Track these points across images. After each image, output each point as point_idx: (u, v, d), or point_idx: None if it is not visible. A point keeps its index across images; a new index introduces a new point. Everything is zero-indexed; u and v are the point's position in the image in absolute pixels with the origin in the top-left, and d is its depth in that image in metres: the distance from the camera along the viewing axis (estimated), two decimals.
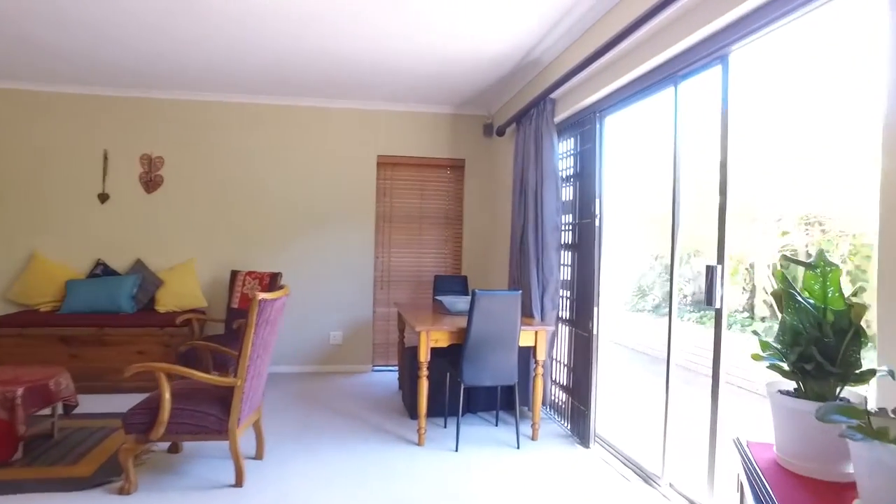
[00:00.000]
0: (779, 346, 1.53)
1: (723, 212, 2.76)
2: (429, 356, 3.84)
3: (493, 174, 6.26)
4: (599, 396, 3.97)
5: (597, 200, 3.89)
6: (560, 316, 4.47)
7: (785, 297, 1.49)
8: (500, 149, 5.98)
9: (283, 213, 5.97)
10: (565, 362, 4.42)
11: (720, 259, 2.74)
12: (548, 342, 4.44)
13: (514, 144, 5.07)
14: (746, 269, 7.21)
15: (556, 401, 4.55)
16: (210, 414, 2.99)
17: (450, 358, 4.04)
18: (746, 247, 6.09)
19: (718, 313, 2.73)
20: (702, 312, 7.26)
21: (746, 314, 7.14)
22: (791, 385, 1.56)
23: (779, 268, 1.56)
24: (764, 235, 5.88)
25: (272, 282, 5.34)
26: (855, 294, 1.47)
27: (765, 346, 1.57)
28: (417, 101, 6.02)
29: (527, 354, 4.29)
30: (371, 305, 6.15)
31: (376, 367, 6.17)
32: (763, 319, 6.79)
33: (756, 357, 1.59)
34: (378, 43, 4.23)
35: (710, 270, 2.74)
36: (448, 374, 4.22)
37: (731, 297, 7.58)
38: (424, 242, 6.35)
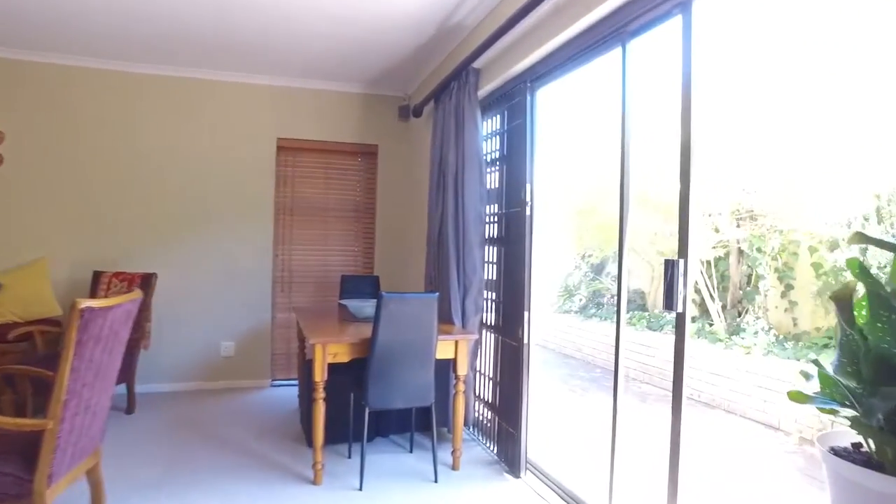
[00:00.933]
0: (844, 381, 0.95)
1: (685, 199, 2.24)
2: (326, 374, 3.12)
3: (410, 162, 5.60)
4: (531, 415, 3.40)
5: (527, 185, 3.32)
6: (485, 321, 3.87)
7: (869, 301, 0.90)
8: (418, 133, 5.33)
9: (163, 202, 5.04)
10: (490, 375, 3.82)
11: (682, 252, 2.21)
12: (470, 353, 3.84)
13: (431, 125, 4.43)
14: None
15: (482, 420, 3.95)
16: (3, 473, 2.13)
17: (353, 375, 3.34)
18: (675, 242, 5.78)
19: (681, 318, 2.20)
20: (631, 313, 6.94)
21: None
22: (849, 436, 0.99)
23: (849, 251, 0.97)
24: (695, 228, 5.56)
25: (145, 284, 4.43)
26: None
27: (825, 381, 0.99)
28: (324, 78, 5.26)
29: (446, 368, 3.66)
30: (270, 310, 5.33)
31: (276, 382, 5.36)
32: (693, 319, 6.52)
33: (798, 397, 1.00)
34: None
35: (670, 266, 2.21)
36: (353, 394, 3.52)
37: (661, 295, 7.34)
38: (332, 238, 5.59)
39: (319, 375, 3.11)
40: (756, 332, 5.37)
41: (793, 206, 4.95)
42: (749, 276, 5.99)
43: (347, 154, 5.63)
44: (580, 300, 7.75)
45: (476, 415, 3.99)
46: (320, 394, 3.12)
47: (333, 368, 3.21)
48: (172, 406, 4.57)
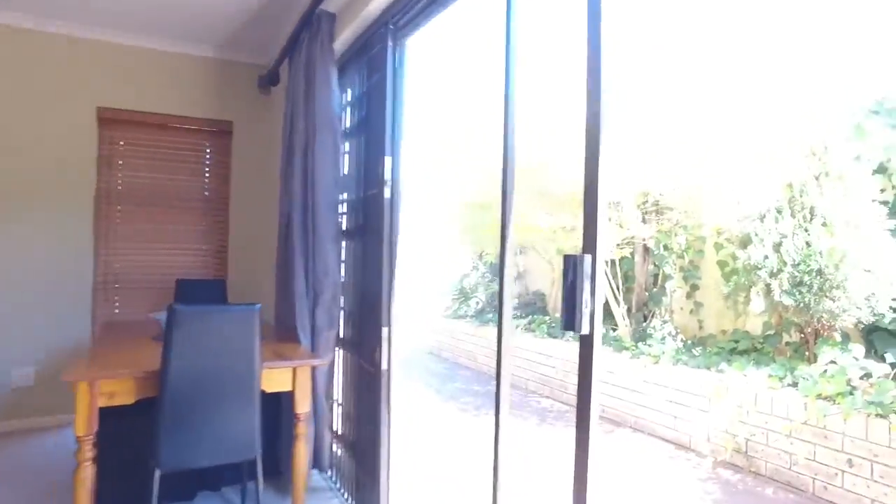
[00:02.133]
0: None
1: (593, 173, 1.51)
2: (96, 424, 2.17)
3: (273, 143, 4.66)
4: (395, 458, 2.60)
5: (387, 159, 2.52)
6: (342, 337, 3.04)
7: None
8: (281, 108, 4.40)
9: None
10: (346, 407, 3.00)
11: (589, 245, 1.49)
12: (325, 379, 3.00)
13: (285, 92, 3.55)
14: None
15: (340, 461, 3.11)
16: None
17: (141, 422, 2.39)
18: (579, 239, 5.20)
19: (587, 343, 1.47)
20: (531, 317, 6.34)
21: None
22: None
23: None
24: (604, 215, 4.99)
25: None
26: None
27: None
28: (162, 34, 4.23)
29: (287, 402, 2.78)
30: (88, 326, 4.20)
31: None
32: None
33: None
34: None
35: (571, 265, 1.47)
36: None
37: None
38: (174, 235, 4.54)
39: (83, 427, 2.14)
40: (663, 338, 4.88)
41: (702, 199, 4.49)
42: (656, 276, 5.54)
43: (195, 132, 4.61)
44: (477, 304, 7.09)
45: (337, 455, 3.14)
46: (85, 454, 2.15)
47: (117, 413, 2.26)
48: None
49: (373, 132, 2.66)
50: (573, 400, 5.17)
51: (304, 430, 2.56)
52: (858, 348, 3.77)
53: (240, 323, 2.23)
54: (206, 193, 4.68)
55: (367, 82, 2.79)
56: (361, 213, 2.80)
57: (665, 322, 5.18)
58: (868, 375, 3.56)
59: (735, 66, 4.34)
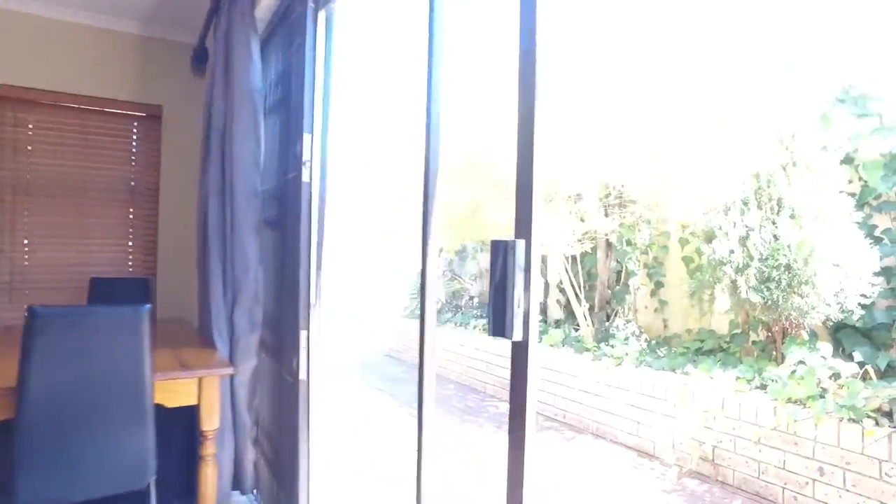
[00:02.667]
0: None
1: (527, 140, 1.21)
2: None
3: None
4: (328, 473, 2.27)
5: (306, 137, 2.18)
6: (264, 342, 2.69)
7: None
8: None
9: None
10: (268, 422, 2.65)
11: (523, 229, 1.18)
12: (247, 389, 2.65)
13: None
14: (541, 262, 6.15)
15: (263, 481, 2.76)
16: None
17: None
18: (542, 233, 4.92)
19: (521, 351, 1.17)
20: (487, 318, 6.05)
21: (539, 318, 6.05)
22: None
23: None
24: (558, 218, 4.74)
25: None
26: None
27: None
28: (78, 5, 3.79)
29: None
30: None
31: None
32: (558, 324, 5.74)
33: None
34: None
35: (501, 252, 1.17)
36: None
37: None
38: (94, 229, 4.10)
39: None
40: (627, 338, 4.65)
41: (666, 191, 4.26)
42: (619, 274, 5.31)
43: (120, 116, 4.17)
44: (437, 302, 6.77)
45: (262, 475, 2.78)
46: None
47: None
48: None
49: (293, 107, 2.32)
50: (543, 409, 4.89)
51: (211, 451, 2.21)
52: (826, 347, 3.57)
53: (123, 327, 1.87)
54: (133, 184, 4.25)
55: (289, 50, 2.44)
56: (280, 201, 2.46)
57: (628, 321, 4.95)
58: (837, 376, 3.36)
59: (697, 50, 4.12)
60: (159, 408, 2.08)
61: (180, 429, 2.55)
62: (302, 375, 2.13)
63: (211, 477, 2.21)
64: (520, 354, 1.16)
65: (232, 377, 2.59)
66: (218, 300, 2.60)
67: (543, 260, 6.25)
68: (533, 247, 1.13)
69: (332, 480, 3.36)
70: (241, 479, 2.72)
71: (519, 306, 1.13)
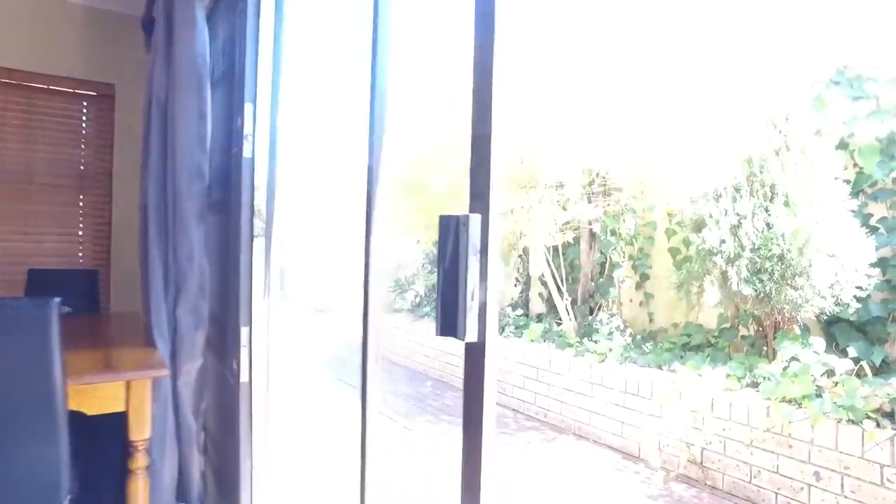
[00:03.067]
0: None
1: (484, 106, 0.95)
2: None
3: None
4: (262, 491, 2.03)
5: (247, 107, 1.92)
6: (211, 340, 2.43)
7: None
8: None
9: None
10: (213, 425, 2.40)
11: (479, 203, 0.93)
12: (192, 391, 2.39)
13: None
14: (520, 255, 5.93)
15: (213, 491, 2.50)
16: None
17: None
18: (519, 224, 4.69)
19: (476, 353, 0.93)
20: None
21: (521, 311, 5.85)
22: None
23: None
24: (541, 207, 4.50)
25: None
26: None
27: None
28: None
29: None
30: None
31: None
32: (539, 318, 5.53)
33: None
34: None
35: (453, 227, 0.92)
36: None
37: (506, 289, 6.27)
38: (38, 218, 3.81)
39: None
40: (611, 333, 4.44)
41: (652, 177, 4.04)
42: (603, 265, 5.10)
43: (67, 95, 3.88)
44: (415, 297, 6.52)
45: (205, 487, 2.53)
46: None
47: None
48: None
49: (236, 76, 2.06)
50: (513, 403, 4.69)
51: (143, 463, 1.95)
52: (819, 342, 3.39)
53: (26, 324, 1.60)
54: (83, 168, 3.95)
55: (233, 14, 2.17)
56: (225, 182, 2.19)
57: (613, 315, 4.75)
58: (831, 372, 3.18)
59: (685, 27, 3.90)
60: (81, 417, 1.82)
61: (115, 439, 2.29)
62: (243, 377, 1.88)
63: (142, 492, 1.95)
64: (474, 358, 0.92)
65: (174, 379, 2.33)
66: (158, 293, 2.33)
67: (525, 251, 6.02)
68: (491, 224, 0.89)
69: (283, 485, 3.11)
70: (186, 489, 2.46)
71: (473, 299, 0.89)
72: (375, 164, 1.27)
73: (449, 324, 0.91)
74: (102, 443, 2.22)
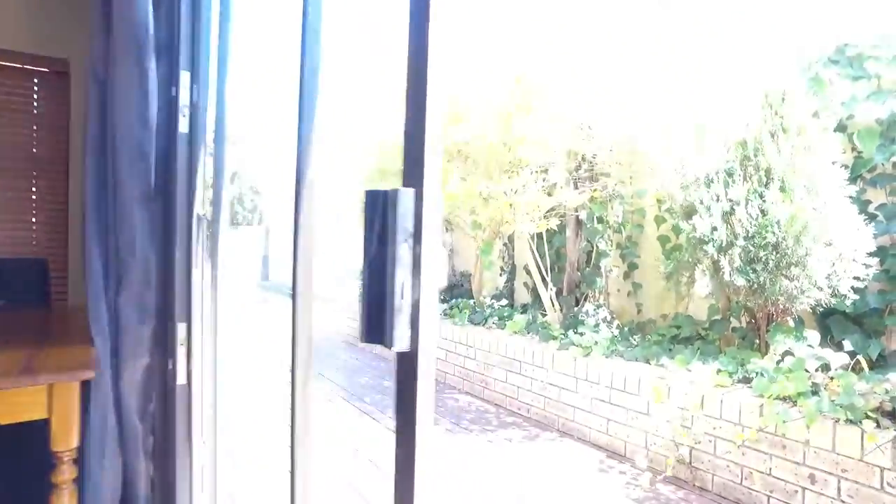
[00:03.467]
0: None
1: (420, 67, 0.74)
2: None
3: None
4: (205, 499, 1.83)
5: (185, 76, 1.70)
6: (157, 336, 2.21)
7: None
8: None
9: None
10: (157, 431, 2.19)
11: (413, 176, 0.73)
12: (138, 393, 2.18)
13: None
14: (505, 243, 5.73)
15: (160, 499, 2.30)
16: None
17: None
18: (502, 210, 4.49)
19: (409, 362, 0.73)
20: (455, 300, 5.63)
21: (505, 301, 5.66)
22: None
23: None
24: (525, 193, 4.29)
25: None
26: None
27: None
28: None
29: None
30: None
31: None
32: (524, 308, 5.34)
33: None
34: None
35: (380, 204, 0.71)
36: None
37: (489, 279, 6.06)
38: None
39: None
40: (597, 324, 4.26)
41: (640, 161, 3.85)
42: (589, 254, 4.91)
43: (15, 71, 3.62)
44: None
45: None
46: None
47: None
48: None
49: (173, 40, 1.83)
50: (495, 397, 4.51)
51: (69, 476, 1.75)
52: (813, 335, 3.23)
53: None
54: (35, 150, 3.70)
55: None
56: (166, 162, 1.97)
57: (599, 306, 4.57)
58: (826, 367, 3.02)
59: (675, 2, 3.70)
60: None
61: (45, 449, 2.08)
62: (181, 380, 1.67)
63: None
64: (406, 370, 0.72)
65: (117, 379, 2.12)
66: (97, 286, 2.11)
67: (510, 239, 5.82)
68: (427, 201, 0.68)
69: (231, 493, 2.92)
70: (132, 499, 2.26)
71: (403, 297, 0.69)
72: (305, 148, 1.05)
73: (374, 328, 0.71)
74: (32, 454, 2.01)
